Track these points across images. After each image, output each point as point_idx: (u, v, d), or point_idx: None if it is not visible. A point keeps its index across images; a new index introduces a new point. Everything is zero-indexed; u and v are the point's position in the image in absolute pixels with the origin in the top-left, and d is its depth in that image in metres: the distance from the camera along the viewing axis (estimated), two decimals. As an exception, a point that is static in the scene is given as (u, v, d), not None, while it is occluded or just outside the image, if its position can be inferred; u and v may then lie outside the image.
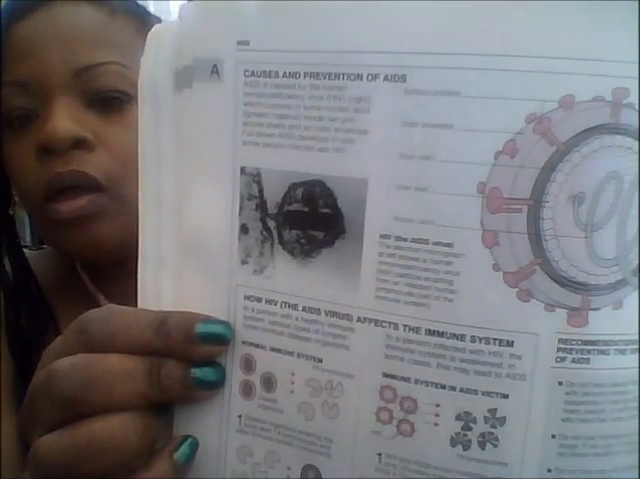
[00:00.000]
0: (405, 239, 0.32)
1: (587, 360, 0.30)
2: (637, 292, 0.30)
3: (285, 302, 0.35)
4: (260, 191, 0.34)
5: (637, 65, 0.28)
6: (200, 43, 0.35)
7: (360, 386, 0.33)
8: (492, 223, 0.30)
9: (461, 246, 0.31)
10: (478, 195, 0.30)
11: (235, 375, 0.36)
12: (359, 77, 0.32)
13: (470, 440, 0.32)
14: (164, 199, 0.37)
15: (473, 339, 0.31)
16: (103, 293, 0.76)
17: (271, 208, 0.34)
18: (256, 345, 0.36)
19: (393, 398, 0.33)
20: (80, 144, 0.65)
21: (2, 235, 0.76)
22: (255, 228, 0.35)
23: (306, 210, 0.34)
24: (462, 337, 0.31)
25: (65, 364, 0.35)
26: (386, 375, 0.33)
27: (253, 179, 0.35)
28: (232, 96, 0.34)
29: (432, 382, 0.32)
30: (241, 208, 0.35)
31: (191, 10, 0.35)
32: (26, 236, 1.02)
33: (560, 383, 0.31)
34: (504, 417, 0.31)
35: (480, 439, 0.31)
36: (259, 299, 0.35)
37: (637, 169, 0.29)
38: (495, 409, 0.31)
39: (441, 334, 0.31)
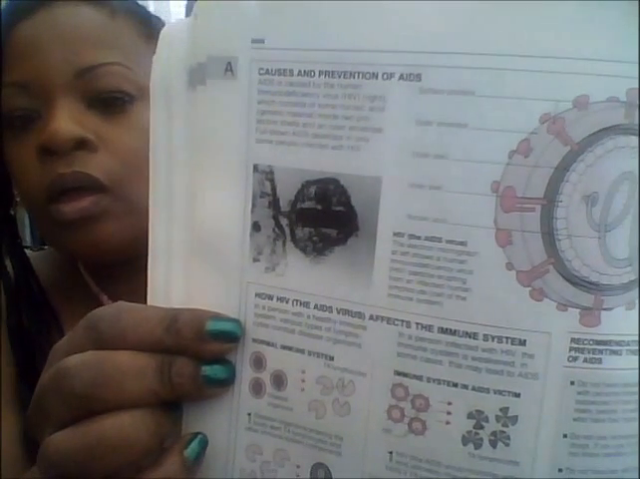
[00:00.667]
0: (418, 238, 0.32)
1: (599, 360, 0.30)
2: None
3: (297, 300, 0.35)
4: (273, 188, 0.35)
5: None
6: (215, 41, 0.35)
7: (371, 384, 0.34)
8: (506, 222, 0.30)
9: (474, 245, 0.31)
10: (491, 194, 0.30)
11: (245, 373, 0.36)
12: (374, 76, 0.32)
13: (481, 439, 0.32)
14: (176, 196, 0.37)
15: (485, 338, 0.31)
16: (106, 293, 0.76)
17: (284, 205, 0.34)
18: (267, 343, 0.36)
19: (404, 396, 0.33)
20: (82, 145, 0.65)
21: (3, 235, 0.76)
22: (267, 225, 0.35)
23: (319, 207, 0.34)
24: (474, 336, 0.31)
25: (75, 361, 0.34)
26: (398, 373, 0.33)
27: (266, 176, 0.35)
28: (246, 94, 0.35)
29: (444, 380, 0.32)
30: (254, 205, 0.35)
31: (206, 8, 0.35)
32: (26, 236, 1.02)
33: (572, 383, 0.31)
34: (516, 416, 0.31)
35: (492, 438, 0.32)
36: (270, 297, 0.36)
37: None
38: (507, 408, 0.31)
39: (453, 333, 0.32)
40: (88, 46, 0.67)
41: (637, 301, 0.30)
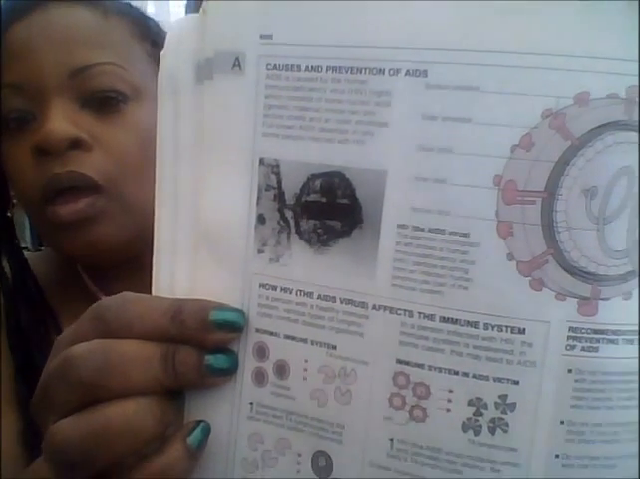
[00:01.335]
0: (422, 229, 0.33)
1: (596, 349, 0.31)
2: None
3: (300, 291, 0.36)
4: (279, 181, 0.35)
5: None
6: (223, 37, 0.36)
7: (373, 373, 0.34)
8: (508, 213, 0.31)
9: (476, 236, 0.32)
10: (494, 186, 0.31)
11: (248, 363, 0.37)
12: (380, 71, 0.33)
13: (480, 426, 0.33)
14: (181, 188, 0.38)
15: (486, 327, 0.32)
16: (103, 293, 0.76)
17: (289, 198, 0.35)
18: (270, 333, 0.36)
19: (406, 384, 0.34)
20: (76, 144, 0.66)
21: (1, 236, 0.76)
22: (272, 217, 0.36)
23: (324, 200, 0.34)
24: (475, 325, 0.32)
25: (82, 350, 0.35)
26: (399, 362, 0.34)
27: (272, 169, 0.35)
28: (254, 88, 0.35)
29: (445, 369, 0.33)
30: (259, 198, 0.36)
31: (215, 4, 0.36)
32: (26, 237, 1.02)
33: (570, 371, 0.32)
34: (515, 403, 0.32)
35: (491, 425, 0.32)
36: (274, 288, 0.36)
37: None
38: (506, 395, 0.32)
39: (454, 322, 0.32)
40: (81, 46, 0.68)
41: (633, 292, 0.31)
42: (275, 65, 0.35)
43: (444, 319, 0.33)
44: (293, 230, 0.35)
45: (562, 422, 0.32)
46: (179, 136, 0.38)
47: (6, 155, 0.70)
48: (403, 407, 0.34)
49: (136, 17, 0.75)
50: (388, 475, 0.34)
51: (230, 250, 0.37)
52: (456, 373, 0.33)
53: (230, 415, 0.37)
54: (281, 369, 0.36)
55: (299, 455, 0.37)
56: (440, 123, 0.32)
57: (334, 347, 0.35)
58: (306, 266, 0.35)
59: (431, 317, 0.33)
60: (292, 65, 0.34)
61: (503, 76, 0.31)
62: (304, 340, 0.36)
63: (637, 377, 0.32)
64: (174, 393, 0.36)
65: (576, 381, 0.32)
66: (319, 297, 0.35)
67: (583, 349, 0.31)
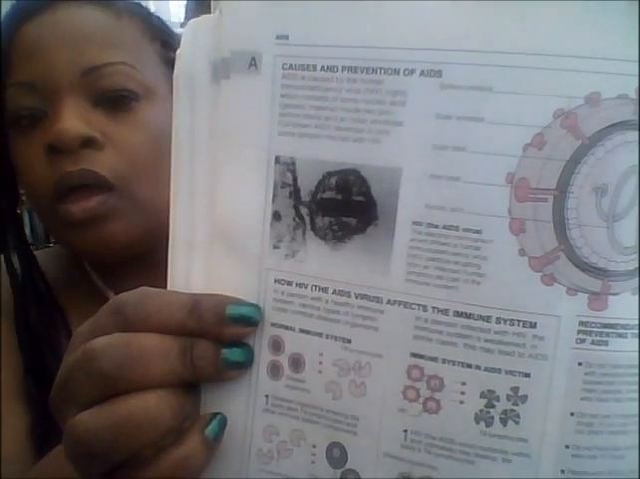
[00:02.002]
0: (436, 226, 0.33)
1: (606, 343, 0.32)
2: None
3: (316, 286, 0.36)
4: (294, 179, 0.36)
5: None
6: (240, 37, 0.37)
7: (388, 366, 0.35)
8: (520, 211, 0.32)
9: (489, 233, 0.32)
10: (507, 184, 0.32)
11: (264, 356, 0.38)
12: (396, 71, 0.33)
13: (493, 417, 0.33)
14: (197, 185, 0.39)
15: (498, 321, 0.33)
16: (112, 291, 0.77)
17: (304, 195, 0.36)
18: (285, 327, 0.37)
19: (419, 377, 0.34)
20: (88, 143, 0.67)
21: (10, 233, 0.77)
22: (288, 214, 0.37)
23: (339, 197, 0.35)
24: (488, 319, 0.33)
25: (102, 343, 0.36)
26: (413, 355, 0.34)
27: (288, 167, 0.36)
28: (270, 87, 0.36)
29: (458, 362, 0.34)
30: (275, 195, 0.37)
31: (231, 5, 0.37)
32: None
33: (580, 364, 0.32)
34: (526, 395, 0.33)
35: (503, 416, 0.33)
36: (290, 283, 0.37)
37: None
38: (518, 388, 0.33)
39: (468, 316, 0.33)
40: (93, 46, 0.69)
41: (642, 288, 0.32)
42: (291, 65, 0.36)
43: (457, 314, 0.33)
44: (308, 226, 0.36)
45: (572, 414, 0.33)
46: (195, 134, 0.38)
47: (17, 152, 0.71)
48: (417, 399, 0.35)
49: (146, 17, 0.75)
50: (402, 465, 0.35)
51: (246, 247, 0.38)
52: (469, 366, 0.33)
53: (246, 407, 0.38)
54: (296, 363, 0.37)
55: (314, 446, 0.37)
56: (454, 122, 0.32)
57: (349, 341, 0.36)
58: (321, 262, 0.36)
59: (444, 312, 0.34)
60: (308, 65, 0.35)
61: (516, 77, 0.31)
62: (319, 334, 0.36)
63: (644, 370, 0.32)
64: (192, 386, 0.37)
65: (586, 374, 0.32)
66: (334, 292, 0.36)
67: (593, 343, 0.32)
